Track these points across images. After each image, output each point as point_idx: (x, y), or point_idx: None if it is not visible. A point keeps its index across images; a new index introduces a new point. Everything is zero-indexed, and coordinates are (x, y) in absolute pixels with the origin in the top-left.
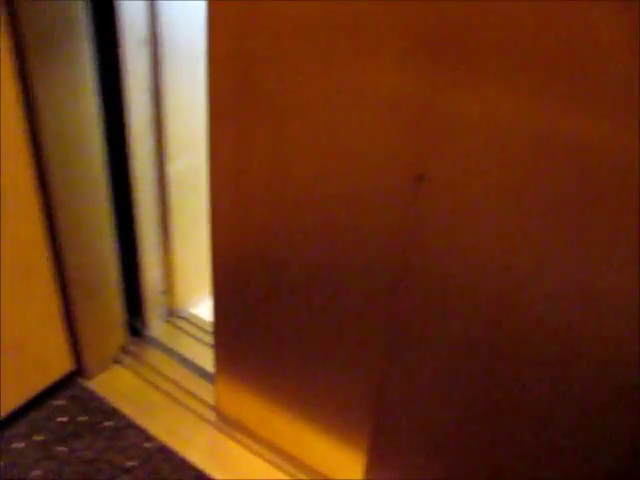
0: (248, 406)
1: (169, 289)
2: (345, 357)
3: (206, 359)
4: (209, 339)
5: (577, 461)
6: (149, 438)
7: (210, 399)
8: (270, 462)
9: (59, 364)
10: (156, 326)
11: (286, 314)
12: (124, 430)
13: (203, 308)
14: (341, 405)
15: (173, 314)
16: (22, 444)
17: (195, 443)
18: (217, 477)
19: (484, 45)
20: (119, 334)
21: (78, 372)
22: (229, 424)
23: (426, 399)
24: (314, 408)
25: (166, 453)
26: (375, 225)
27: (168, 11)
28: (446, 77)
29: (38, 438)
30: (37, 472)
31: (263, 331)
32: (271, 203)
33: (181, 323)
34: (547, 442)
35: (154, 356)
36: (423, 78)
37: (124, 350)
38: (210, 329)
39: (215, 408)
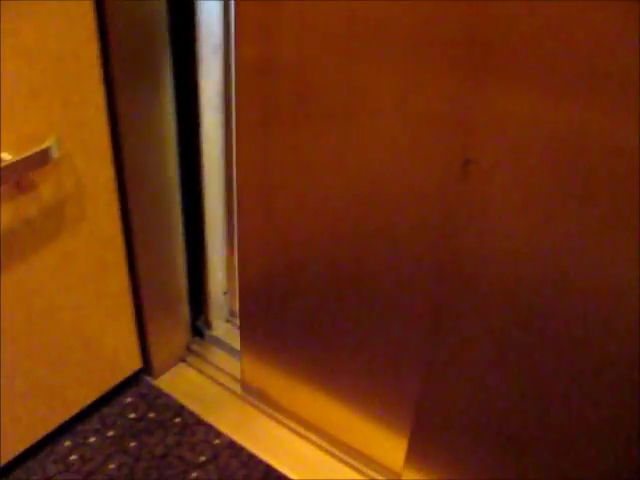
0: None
1: (231, 290)
2: (386, 343)
3: None
4: None
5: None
6: (218, 434)
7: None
8: (343, 461)
9: (129, 362)
10: (218, 326)
11: (323, 306)
12: (192, 426)
13: None
14: (383, 391)
15: (234, 314)
16: (96, 439)
17: (261, 439)
18: (286, 472)
19: (523, 50)
20: (184, 333)
21: (145, 370)
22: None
23: (469, 385)
24: (365, 399)
25: (235, 449)
26: (422, 211)
27: None
28: (489, 76)
29: (110, 433)
30: (112, 466)
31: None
32: (303, 201)
33: None
34: (588, 432)
35: (217, 355)
36: (468, 77)
37: (188, 349)
38: None
39: (241, 381)
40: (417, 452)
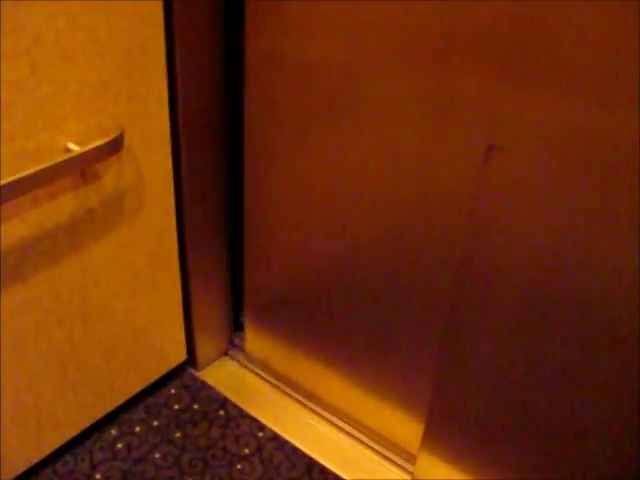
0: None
1: None
2: (404, 333)
3: None
4: None
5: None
6: (261, 427)
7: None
8: (382, 456)
9: (175, 353)
10: None
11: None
12: (236, 419)
13: None
14: (402, 378)
15: None
16: (141, 428)
17: (304, 432)
18: (329, 465)
19: (543, 46)
20: (228, 327)
21: (189, 362)
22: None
23: (485, 372)
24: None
25: (278, 442)
26: (446, 197)
27: None
28: (512, 76)
29: (155, 423)
30: (157, 455)
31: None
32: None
33: None
34: (601, 411)
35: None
36: (493, 70)
37: (231, 343)
38: None
39: (245, 352)
40: (433, 435)
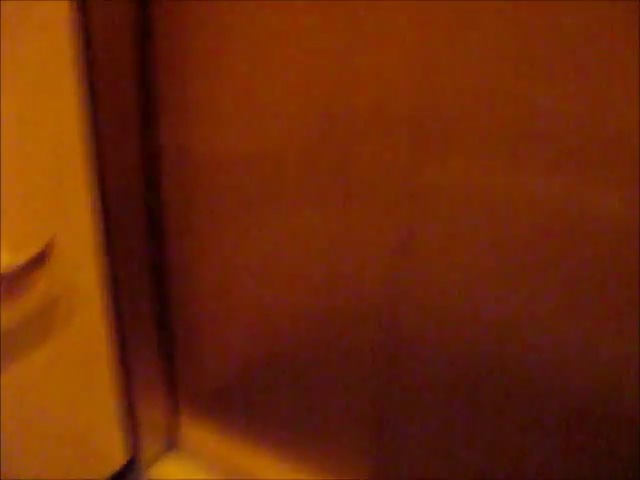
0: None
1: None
2: (338, 407)
3: None
4: None
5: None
6: None
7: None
8: None
9: (119, 455)
10: None
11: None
12: None
13: None
14: (340, 452)
15: None
16: None
17: None
18: None
19: (456, 131)
20: (172, 423)
21: (135, 461)
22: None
23: (421, 441)
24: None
25: None
26: (367, 287)
27: None
28: (426, 155)
29: None
30: None
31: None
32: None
33: None
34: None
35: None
36: (406, 156)
37: (175, 439)
38: None
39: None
40: None
